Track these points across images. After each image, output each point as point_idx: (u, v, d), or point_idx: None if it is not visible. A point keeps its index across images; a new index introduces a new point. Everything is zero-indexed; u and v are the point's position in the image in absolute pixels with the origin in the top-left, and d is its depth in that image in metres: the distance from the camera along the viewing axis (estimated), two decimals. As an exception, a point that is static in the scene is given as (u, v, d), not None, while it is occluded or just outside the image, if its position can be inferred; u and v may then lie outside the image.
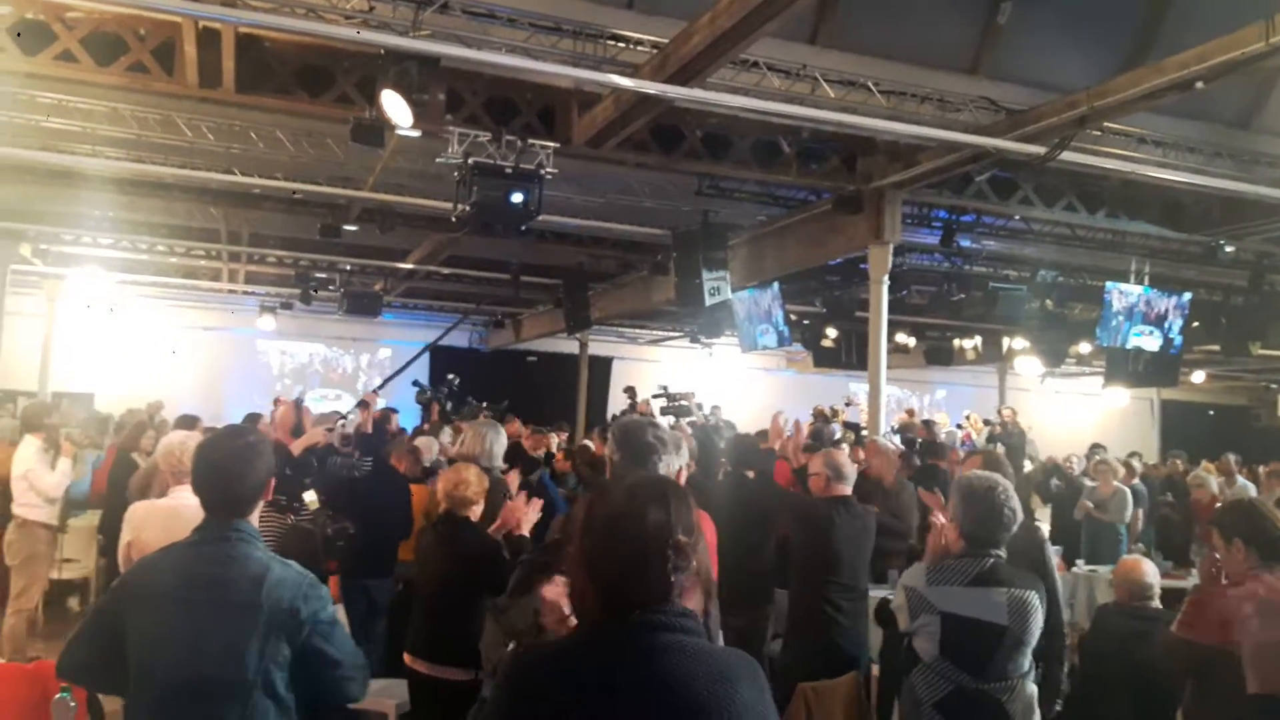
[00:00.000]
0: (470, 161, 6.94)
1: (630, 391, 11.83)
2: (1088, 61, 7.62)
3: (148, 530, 3.71)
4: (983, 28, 7.68)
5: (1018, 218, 10.33)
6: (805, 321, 14.49)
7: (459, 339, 18.91)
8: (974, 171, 8.29)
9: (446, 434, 9.09)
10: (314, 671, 2.72)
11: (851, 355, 13.55)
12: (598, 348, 20.02)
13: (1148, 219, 9.73)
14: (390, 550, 6.35)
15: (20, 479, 7.26)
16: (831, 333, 14.06)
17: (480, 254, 13.29)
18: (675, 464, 3.05)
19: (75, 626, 2.82)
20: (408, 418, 11.86)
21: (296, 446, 5.94)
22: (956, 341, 17.50)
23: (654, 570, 1.86)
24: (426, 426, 10.59)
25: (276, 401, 11.57)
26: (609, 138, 7.34)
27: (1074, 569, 8.64)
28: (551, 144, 7.26)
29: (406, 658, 4.57)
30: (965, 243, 11.27)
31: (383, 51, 5.82)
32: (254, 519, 2.84)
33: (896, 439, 11.04)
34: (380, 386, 9.15)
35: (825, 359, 14.52)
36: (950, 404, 21.73)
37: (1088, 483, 10.34)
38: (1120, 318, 11.43)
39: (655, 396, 10.03)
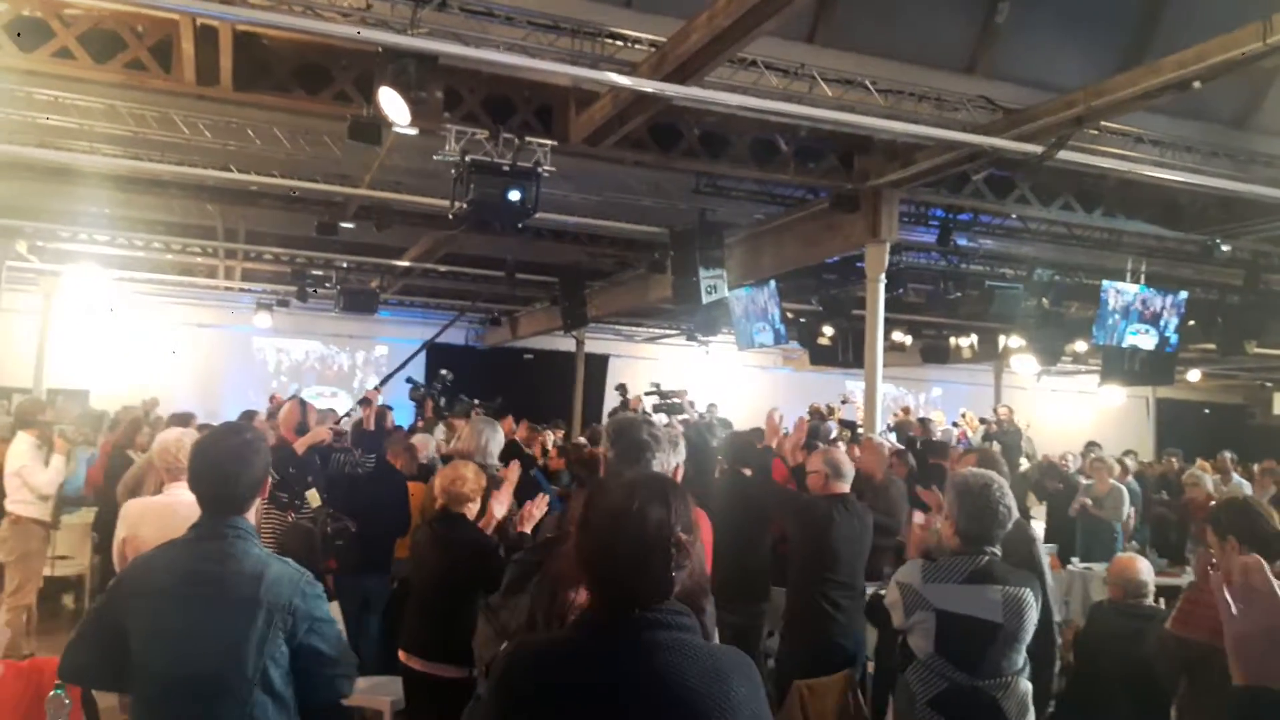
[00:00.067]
0: (467, 159, 6.93)
1: (622, 389, 11.83)
2: (1085, 61, 7.63)
3: (143, 527, 3.71)
4: (980, 27, 7.69)
5: (1014, 216, 10.34)
6: (802, 319, 14.50)
7: (455, 336, 18.92)
8: (971, 170, 8.29)
9: (440, 431, 9.10)
10: (308, 668, 2.73)
11: (848, 353, 13.55)
12: (594, 345, 20.04)
13: (1144, 218, 9.75)
14: (387, 547, 6.36)
15: (14, 475, 7.26)
16: (828, 331, 14.06)
17: (477, 252, 13.28)
18: (671, 461, 3.05)
19: (72, 626, 2.82)
20: (401, 415, 11.86)
21: (300, 445, 5.94)
22: (953, 340, 17.51)
23: (655, 568, 1.86)
24: (421, 424, 10.59)
25: (273, 399, 11.61)
26: (606, 136, 7.34)
27: (1069, 567, 8.66)
28: (549, 142, 7.26)
29: (401, 655, 4.57)
30: (962, 241, 11.28)
31: (380, 49, 5.82)
32: (251, 516, 2.85)
33: (892, 437, 11.06)
34: (382, 383, 9.14)
35: (822, 357, 14.52)
36: (946, 402, 21.76)
37: (1083, 480, 10.37)
38: (1116, 316, 11.45)
39: (647, 394, 10.04)
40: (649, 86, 6.23)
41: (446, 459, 7.37)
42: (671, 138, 7.96)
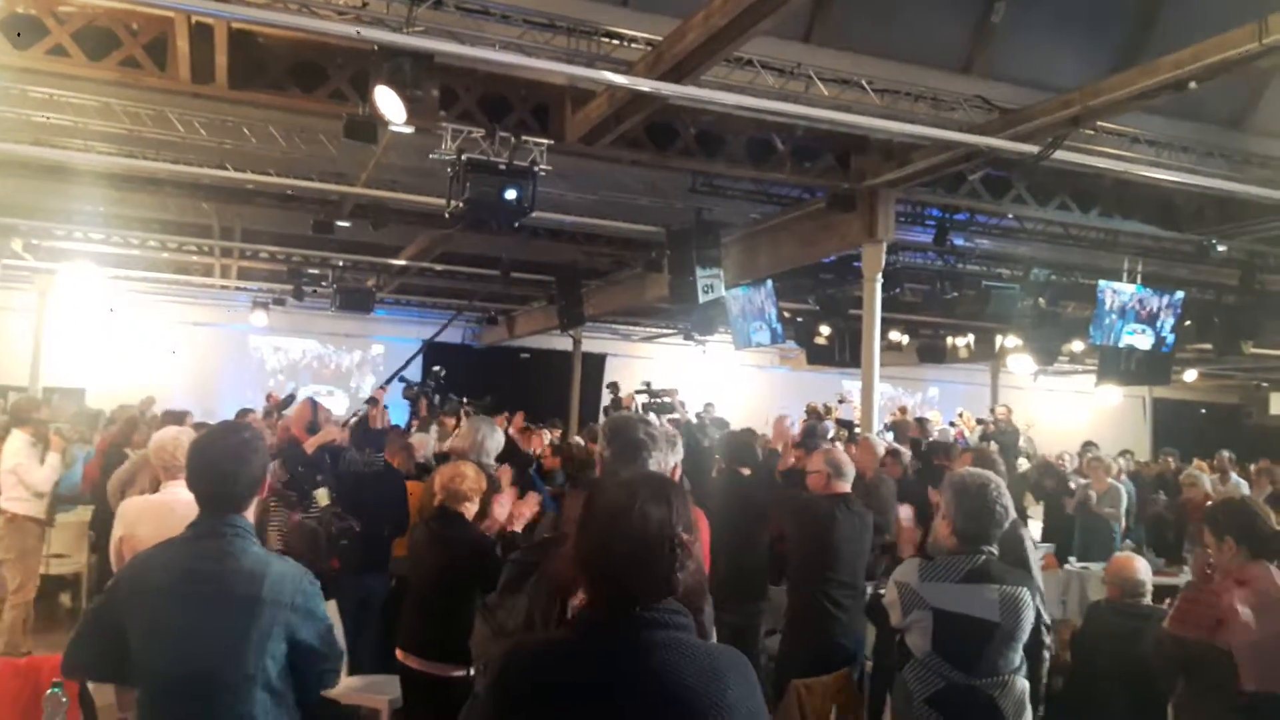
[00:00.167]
0: (464, 158, 6.93)
1: (613, 387, 11.82)
2: (1081, 61, 7.63)
3: (141, 526, 3.71)
4: (976, 27, 7.69)
5: (1011, 216, 10.34)
6: (799, 319, 14.50)
7: (452, 335, 18.89)
8: (967, 170, 8.29)
9: (433, 430, 9.08)
10: (300, 664, 2.75)
11: (845, 352, 13.57)
12: (591, 345, 20.03)
13: (1140, 218, 9.76)
14: (386, 546, 6.35)
15: (9, 473, 7.25)
16: (825, 330, 14.08)
17: (474, 251, 13.27)
18: (669, 461, 3.04)
19: (69, 624, 2.83)
20: (395, 413, 11.83)
21: (310, 444, 5.93)
22: (949, 339, 17.54)
23: (657, 568, 1.86)
24: (415, 424, 10.57)
25: (269, 397, 11.58)
26: (603, 135, 7.34)
27: (1066, 566, 8.67)
28: (545, 141, 7.25)
29: (399, 654, 4.56)
30: (959, 241, 11.29)
31: (376, 48, 5.81)
32: (249, 514, 2.85)
33: (889, 436, 11.06)
34: (387, 382, 9.14)
35: (819, 356, 14.54)
36: (943, 402, 21.79)
37: (1080, 480, 10.38)
38: (1113, 316, 11.46)
39: (638, 393, 10.02)
40: (645, 85, 6.23)
41: (442, 457, 7.37)
42: (668, 137, 7.95)
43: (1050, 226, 10.74)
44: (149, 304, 17.37)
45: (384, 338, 19.91)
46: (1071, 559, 8.96)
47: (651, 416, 8.43)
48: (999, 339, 16.17)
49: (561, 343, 18.95)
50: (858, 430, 9.85)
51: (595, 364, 20.34)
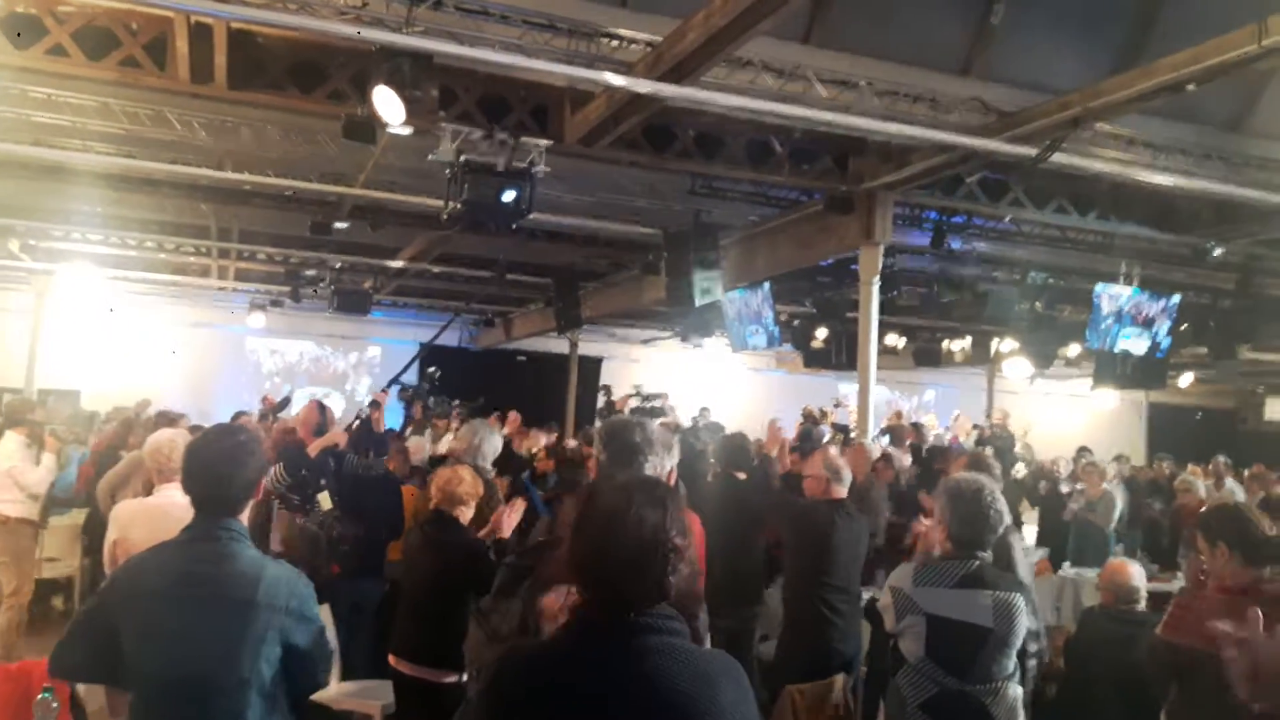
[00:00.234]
0: (462, 159, 6.92)
1: (606, 390, 11.85)
2: (1080, 63, 7.63)
3: (134, 529, 3.70)
4: (975, 29, 7.68)
5: (1008, 219, 10.34)
6: (795, 322, 14.51)
7: (449, 337, 18.87)
8: (965, 173, 8.30)
9: (427, 433, 9.07)
10: (292, 665, 2.75)
11: (841, 356, 13.57)
12: (588, 347, 20.00)
13: (1138, 221, 9.76)
14: (381, 550, 6.34)
15: (4, 475, 7.24)
16: (821, 333, 14.08)
17: (471, 252, 13.25)
18: (665, 465, 3.04)
19: (62, 627, 2.81)
20: (389, 416, 11.82)
21: (314, 448, 5.92)
22: (946, 343, 17.54)
23: (650, 573, 1.86)
24: (411, 427, 10.57)
25: (265, 399, 11.58)
26: (602, 136, 7.34)
27: (1060, 571, 8.67)
28: (544, 142, 7.24)
29: (391, 658, 4.55)
30: (956, 244, 11.27)
31: (376, 48, 5.80)
32: (244, 518, 2.84)
33: (885, 440, 11.06)
34: (389, 385, 9.15)
35: (815, 359, 14.54)
36: (939, 405, 21.78)
37: (1075, 486, 10.38)
38: (1109, 320, 11.46)
39: (629, 397, 10.03)
40: (644, 87, 6.22)
41: (437, 460, 7.36)
42: (666, 139, 7.95)
43: (1047, 229, 10.74)
44: (146, 305, 17.35)
45: (381, 340, 19.89)
46: (1065, 564, 8.95)
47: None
48: (995, 342, 16.17)
49: (558, 345, 18.94)
50: (853, 434, 9.85)
51: (592, 367, 20.32)
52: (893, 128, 7.04)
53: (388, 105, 5.89)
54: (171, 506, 3.33)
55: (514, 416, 9.83)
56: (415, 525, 5.16)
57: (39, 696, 3.16)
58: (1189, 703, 3.54)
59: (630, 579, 1.86)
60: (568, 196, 9.78)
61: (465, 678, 4.13)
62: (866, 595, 5.57)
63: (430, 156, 7.09)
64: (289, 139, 8.79)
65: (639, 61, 6.46)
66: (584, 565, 1.91)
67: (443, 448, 8.56)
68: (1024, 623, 3.56)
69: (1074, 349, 14.91)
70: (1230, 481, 11.39)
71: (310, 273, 14.49)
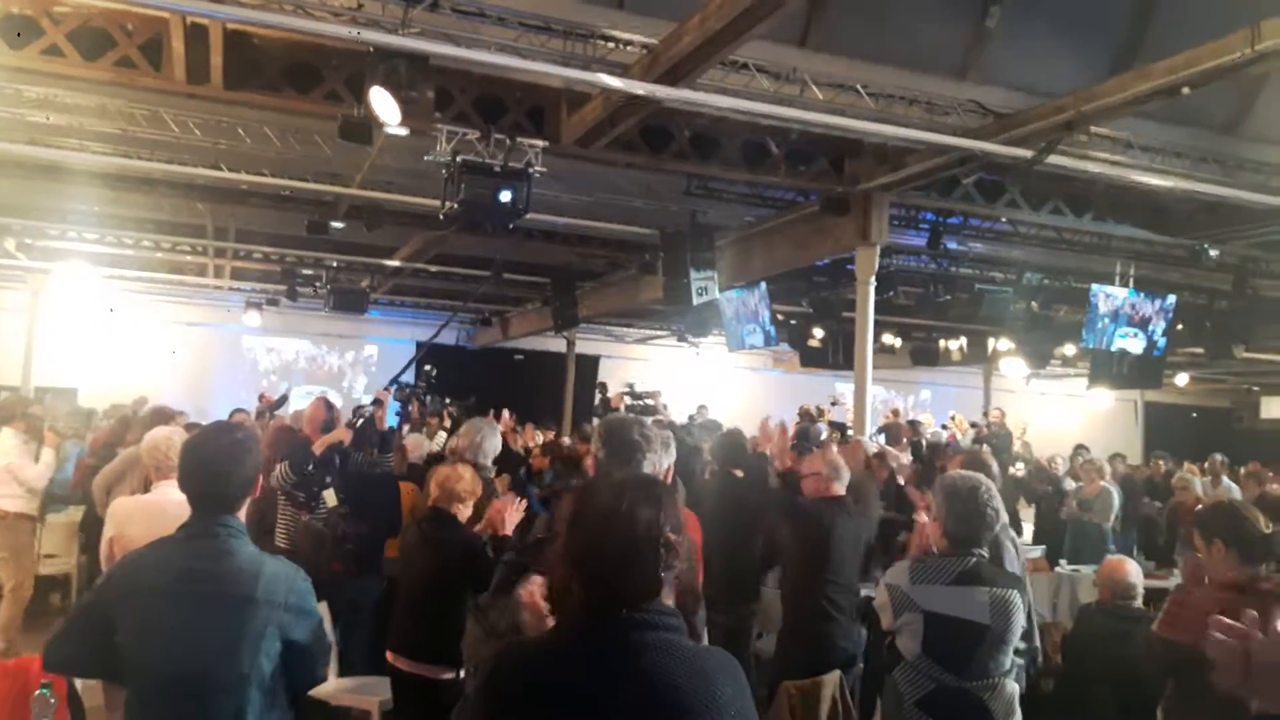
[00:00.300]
0: (459, 160, 6.93)
1: (602, 388, 11.87)
2: (1075, 66, 7.64)
3: (132, 526, 3.70)
4: (971, 31, 7.70)
5: (1004, 220, 10.37)
6: (792, 321, 14.53)
7: (446, 336, 18.84)
8: (961, 174, 8.32)
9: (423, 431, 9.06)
10: (292, 660, 2.75)
11: (838, 355, 13.59)
12: (585, 346, 20.01)
13: (1133, 223, 9.79)
14: (379, 548, 6.34)
15: (3, 470, 7.24)
16: (818, 333, 14.10)
17: (468, 252, 13.26)
18: (663, 463, 3.05)
19: (58, 623, 2.82)
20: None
21: (319, 445, 5.92)
22: (942, 342, 17.56)
23: (643, 568, 1.87)
24: (408, 425, 10.56)
25: (262, 398, 11.56)
26: (598, 137, 7.35)
27: (1057, 569, 8.69)
28: (540, 143, 7.26)
29: (389, 655, 4.56)
30: (952, 245, 11.30)
31: (372, 49, 5.81)
32: (242, 515, 2.85)
33: (881, 439, 11.07)
34: (390, 383, 9.16)
35: (812, 359, 14.56)
36: (935, 404, 21.80)
37: (1072, 484, 10.40)
38: (1105, 320, 11.49)
39: (621, 395, 10.04)
40: (640, 89, 6.24)
41: (434, 459, 7.36)
42: (663, 140, 7.97)
43: (1043, 230, 10.77)
44: (143, 304, 17.33)
45: (377, 338, 19.89)
46: (1062, 561, 8.97)
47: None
48: (992, 342, 16.21)
49: (555, 344, 18.95)
50: (850, 433, 9.87)
51: (589, 365, 20.31)
52: (889, 130, 7.06)
53: (384, 106, 5.90)
54: (169, 503, 3.34)
55: (506, 417, 9.84)
56: (413, 522, 5.17)
57: (37, 692, 3.16)
58: (1185, 699, 3.55)
59: (623, 575, 1.87)
60: (564, 197, 9.79)
61: (463, 674, 4.14)
62: (864, 592, 5.58)
63: (427, 157, 7.11)
64: (285, 139, 8.80)
65: (635, 63, 6.48)
66: (578, 561, 1.92)
67: (435, 445, 8.56)
68: (1021, 620, 3.57)
69: (1069, 349, 14.93)
70: (1226, 480, 11.40)
71: (307, 272, 14.49)
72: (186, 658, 2.62)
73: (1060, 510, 10.09)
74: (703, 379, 19.59)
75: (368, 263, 14.20)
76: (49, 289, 15.21)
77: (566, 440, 11.44)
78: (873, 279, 8.76)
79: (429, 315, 18.24)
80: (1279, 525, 3.64)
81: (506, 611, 2.83)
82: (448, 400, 10.93)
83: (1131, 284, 11.66)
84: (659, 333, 19.87)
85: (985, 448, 10.44)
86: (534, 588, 2.34)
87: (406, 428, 9.99)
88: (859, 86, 7.37)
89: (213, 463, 2.79)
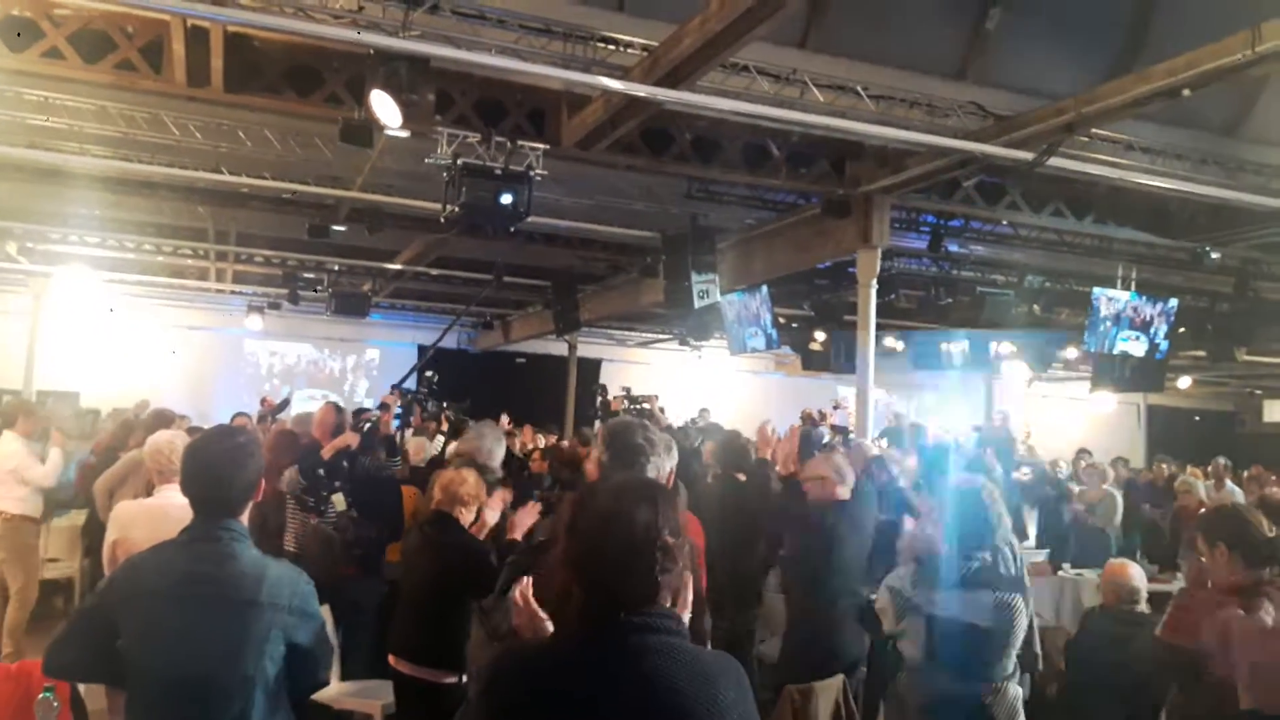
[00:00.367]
0: (459, 162, 6.93)
1: (602, 390, 11.88)
2: (1076, 68, 7.65)
3: (134, 530, 3.70)
4: (971, 34, 7.71)
5: (1005, 223, 10.36)
6: (794, 325, 14.52)
7: (447, 340, 18.83)
8: (962, 177, 8.31)
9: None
10: (295, 663, 2.75)
11: (840, 358, 13.58)
12: (586, 350, 19.97)
13: (1135, 225, 9.78)
14: (381, 550, 6.33)
15: (9, 474, 7.24)
16: (820, 336, 14.09)
17: (469, 255, 13.26)
18: (665, 466, 3.05)
19: (60, 627, 2.81)
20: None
21: (327, 449, 5.92)
22: (944, 345, 17.52)
23: (641, 571, 1.86)
24: (409, 431, 10.55)
25: (264, 401, 11.55)
26: (598, 140, 7.35)
27: (1061, 573, 8.67)
28: (541, 145, 7.25)
29: (391, 659, 4.55)
30: (953, 247, 11.30)
31: (372, 52, 5.81)
32: (244, 519, 2.84)
33: (884, 442, 11.06)
34: (396, 387, 9.17)
35: (814, 362, 14.56)
36: (937, 408, 21.74)
37: (1075, 487, 10.38)
38: (1107, 323, 11.47)
39: (619, 399, 10.04)
40: (641, 91, 6.23)
41: (435, 463, 7.36)
42: (663, 142, 7.96)
43: (1044, 233, 10.77)
44: (144, 308, 17.32)
45: (379, 342, 19.87)
46: (1066, 565, 8.95)
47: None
48: (994, 345, 16.17)
49: (557, 348, 18.92)
50: (852, 436, 9.86)
51: (590, 369, 20.28)
52: (890, 132, 7.05)
53: (384, 109, 5.90)
54: (171, 507, 3.33)
55: (503, 421, 9.85)
56: (415, 526, 5.16)
57: (40, 696, 3.15)
58: (1189, 703, 3.54)
59: (622, 578, 1.86)
60: (565, 199, 9.80)
61: (465, 678, 4.13)
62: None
63: (427, 160, 7.10)
64: (286, 142, 8.80)
65: (636, 66, 6.48)
66: (578, 565, 1.91)
67: (433, 450, 8.57)
68: (1024, 623, 3.56)
69: (1071, 352, 14.92)
70: (1229, 483, 11.38)
71: (308, 275, 14.50)
72: (189, 661, 2.61)
73: (1065, 514, 10.06)
74: (704, 382, 19.58)
75: (369, 266, 14.21)
76: (50, 293, 15.19)
77: (566, 444, 11.42)
78: (874, 282, 8.76)
79: (431, 319, 18.22)
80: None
81: (508, 614, 2.82)
82: (445, 404, 10.93)
83: (1133, 287, 11.65)
84: (661, 336, 19.86)
85: (989, 450, 10.43)
86: (524, 587, 2.32)
87: (409, 432, 9.99)
88: (859, 88, 7.37)
89: (215, 467, 2.79)
